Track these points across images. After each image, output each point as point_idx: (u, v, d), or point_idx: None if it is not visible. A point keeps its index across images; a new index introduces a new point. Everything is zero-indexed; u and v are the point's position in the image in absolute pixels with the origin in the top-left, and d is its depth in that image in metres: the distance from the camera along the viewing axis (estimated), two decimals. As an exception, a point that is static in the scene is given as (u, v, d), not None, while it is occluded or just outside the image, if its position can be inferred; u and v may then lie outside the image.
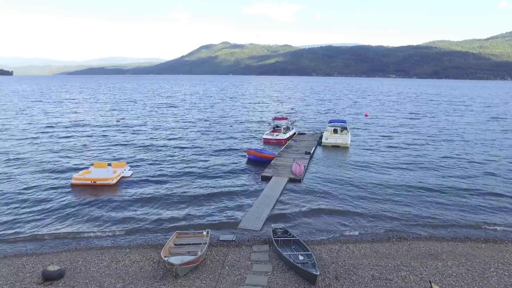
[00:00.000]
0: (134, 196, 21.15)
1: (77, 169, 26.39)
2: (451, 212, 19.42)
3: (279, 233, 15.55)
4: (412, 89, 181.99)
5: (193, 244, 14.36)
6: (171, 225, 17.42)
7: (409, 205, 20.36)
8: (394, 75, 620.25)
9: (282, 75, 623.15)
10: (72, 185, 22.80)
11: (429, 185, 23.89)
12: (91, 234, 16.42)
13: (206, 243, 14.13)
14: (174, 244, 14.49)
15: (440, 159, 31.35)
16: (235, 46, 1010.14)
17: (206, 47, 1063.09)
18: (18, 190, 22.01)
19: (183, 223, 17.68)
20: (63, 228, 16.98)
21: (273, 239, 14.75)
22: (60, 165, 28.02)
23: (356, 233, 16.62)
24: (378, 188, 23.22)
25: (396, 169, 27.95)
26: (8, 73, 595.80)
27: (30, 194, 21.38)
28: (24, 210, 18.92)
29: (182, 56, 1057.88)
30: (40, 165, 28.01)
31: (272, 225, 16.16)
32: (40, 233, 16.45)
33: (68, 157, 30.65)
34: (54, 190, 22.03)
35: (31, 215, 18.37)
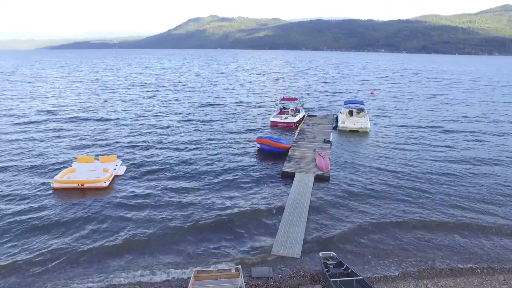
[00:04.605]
0: (130, 205, 16.75)
1: (55, 165, 21.81)
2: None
3: (332, 266, 11.60)
4: (410, 64, 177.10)
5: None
6: (181, 250, 13.32)
7: (476, 208, 16.67)
8: (383, 50, 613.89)
9: (272, 49, 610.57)
10: (54, 189, 18.29)
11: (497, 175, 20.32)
12: (76, 274, 12.17)
13: (241, 288, 10.12)
14: (194, 291, 10.44)
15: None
16: (224, 19, 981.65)
17: (194, 20, 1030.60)
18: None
19: (198, 245, 13.58)
20: (31, 264, 12.62)
21: (329, 279, 10.79)
22: (35, 161, 23.03)
23: (427, 260, 12.71)
24: (426, 185, 19.35)
25: (441, 159, 24.19)
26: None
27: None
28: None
29: (170, 30, 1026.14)
30: (9, 162, 22.90)
31: (320, 253, 12.17)
32: None
33: (44, 150, 25.77)
34: (27, 200, 17.38)
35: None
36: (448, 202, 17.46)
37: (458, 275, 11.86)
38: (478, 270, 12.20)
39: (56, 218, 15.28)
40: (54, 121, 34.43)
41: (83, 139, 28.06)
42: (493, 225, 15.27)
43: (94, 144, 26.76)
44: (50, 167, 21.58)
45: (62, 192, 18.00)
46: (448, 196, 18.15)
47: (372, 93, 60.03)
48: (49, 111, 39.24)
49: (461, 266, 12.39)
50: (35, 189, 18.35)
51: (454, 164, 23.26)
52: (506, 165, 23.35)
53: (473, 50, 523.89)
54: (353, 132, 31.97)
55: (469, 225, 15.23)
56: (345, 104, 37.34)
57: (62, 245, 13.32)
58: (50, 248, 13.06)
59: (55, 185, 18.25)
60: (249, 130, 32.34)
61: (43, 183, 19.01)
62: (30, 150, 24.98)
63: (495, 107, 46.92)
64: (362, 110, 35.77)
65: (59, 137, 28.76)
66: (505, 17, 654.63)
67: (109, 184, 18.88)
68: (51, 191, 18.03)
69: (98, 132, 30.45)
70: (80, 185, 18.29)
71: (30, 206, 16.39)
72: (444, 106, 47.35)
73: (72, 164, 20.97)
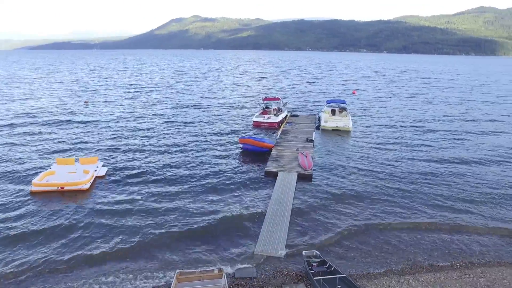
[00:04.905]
0: (112, 209, 16.37)
1: (33, 170, 21.11)
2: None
3: (315, 264, 11.66)
4: (392, 64, 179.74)
5: (204, 292, 10.26)
6: (164, 253, 13.18)
7: (455, 207, 17.08)
8: (365, 50, 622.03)
9: (254, 49, 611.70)
10: (33, 193, 17.74)
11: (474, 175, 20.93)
12: (56, 281, 11.89)
13: (224, 290, 10.05)
14: (177, 293, 10.33)
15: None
16: (206, 19, 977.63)
17: (177, 20, 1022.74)
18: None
19: (181, 247, 13.46)
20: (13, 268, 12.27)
21: (312, 277, 10.84)
22: (12, 166, 22.23)
23: (408, 258, 12.92)
24: (407, 185, 19.70)
25: (420, 157, 24.64)
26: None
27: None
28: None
29: (152, 30, 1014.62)
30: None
31: (303, 252, 12.23)
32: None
33: (22, 154, 25.08)
34: (4, 206, 16.73)
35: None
36: (428, 201, 17.72)
37: (438, 270, 12.10)
38: (457, 264, 12.47)
39: (35, 226, 14.73)
40: (32, 124, 33.50)
41: (62, 142, 27.34)
42: (471, 223, 15.64)
43: (74, 148, 26.09)
44: (27, 172, 20.86)
45: (41, 196, 17.51)
46: (429, 195, 18.41)
47: (353, 93, 60.72)
48: (27, 113, 38.21)
49: (441, 262, 12.65)
50: (12, 194, 17.75)
51: (435, 163, 23.64)
52: (484, 164, 23.82)
53: (451, 50, 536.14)
54: (336, 131, 32.25)
55: (449, 224, 15.52)
56: (327, 103, 37.64)
57: (41, 253, 12.92)
58: (28, 258, 12.62)
59: (34, 188, 17.76)
60: (232, 130, 32.23)
61: (21, 189, 18.28)
62: (6, 154, 24.24)
63: (474, 106, 48.03)
64: (345, 109, 36.12)
65: (37, 140, 27.96)
66: (481, 19, 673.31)
67: (90, 186, 18.50)
68: (29, 196, 17.50)
69: (78, 135, 29.74)
70: (59, 188, 17.85)
71: (7, 213, 15.82)
72: (425, 105, 48.23)
73: (51, 166, 20.49)
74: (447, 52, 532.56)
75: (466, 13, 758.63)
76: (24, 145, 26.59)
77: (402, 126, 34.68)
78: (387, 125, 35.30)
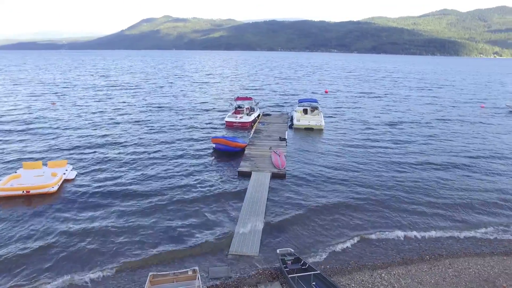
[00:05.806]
0: (82, 210, 15.92)
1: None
2: (474, 210, 16.82)
3: (289, 262, 11.70)
4: (362, 64, 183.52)
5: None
6: (136, 254, 12.86)
7: (421, 201, 17.57)
8: (336, 50, 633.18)
9: (227, 50, 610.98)
10: None
11: (433, 171, 21.36)
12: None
13: (199, 292, 9.91)
14: (150, 297, 10.09)
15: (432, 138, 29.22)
16: (178, 20, 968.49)
17: (148, 20, 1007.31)
18: None
19: (154, 251, 13.15)
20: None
21: (287, 275, 10.86)
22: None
23: (379, 251, 13.19)
24: (377, 180, 20.11)
25: (388, 158, 25.16)
26: None
27: None
28: None
29: (122, 30, 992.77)
30: None
31: (278, 250, 12.23)
32: None
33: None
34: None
35: None
36: (399, 202, 17.67)
37: (409, 263, 12.41)
38: (427, 257, 12.82)
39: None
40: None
41: (28, 148, 25.94)
42: (439, 220, 15.89)
43: (40, 154, 24.74)
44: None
45: (4, 201, 16.61)
46: (398, 197, 18.26)
47: (326, 92, 61.63)
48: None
49: (412, 255, 12.95)
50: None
51: (404, 165, 23.39)
52: (451, 166, 23.48)
53: (418, 51, 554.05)
54: (308, 129, 32.59)
55: (418, 223, 15.62)
56: (299, 103, 37.97)
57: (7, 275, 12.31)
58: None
59: (-4, 193, 16.93)
60: (204, 131, 31.91)
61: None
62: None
63: (444, 105, 49.47)
64: (316, 108, 36.56)
65: (0, 147, 26.62)
66: (444, 20, 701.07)
67: (58, 189, 17.79)
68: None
69: (46, 140, 28.24)
70: (25, 192, 17.08)
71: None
72: (396, 104, 49.35)
73: (17, 170, 19.63)
74: (414, 52, 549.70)
75: (431, 15, 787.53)
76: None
77: (373, 128, 34.48)
78: (359, 124, 35.83)
